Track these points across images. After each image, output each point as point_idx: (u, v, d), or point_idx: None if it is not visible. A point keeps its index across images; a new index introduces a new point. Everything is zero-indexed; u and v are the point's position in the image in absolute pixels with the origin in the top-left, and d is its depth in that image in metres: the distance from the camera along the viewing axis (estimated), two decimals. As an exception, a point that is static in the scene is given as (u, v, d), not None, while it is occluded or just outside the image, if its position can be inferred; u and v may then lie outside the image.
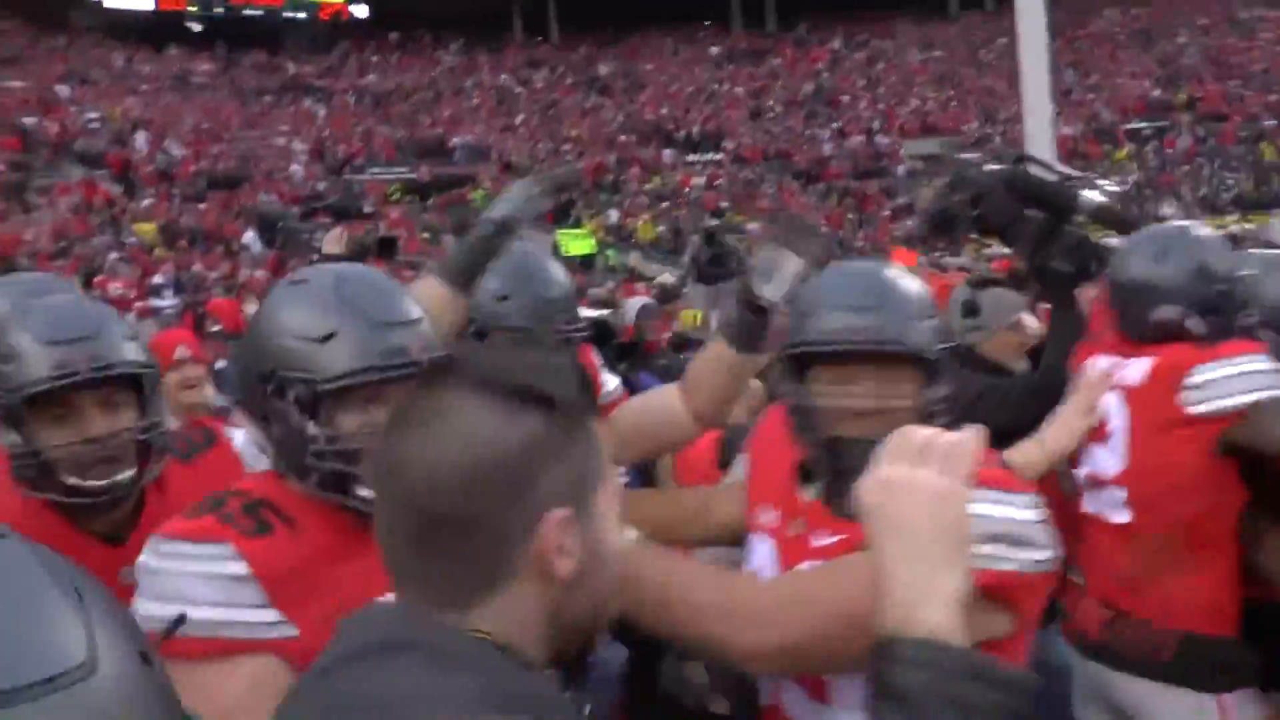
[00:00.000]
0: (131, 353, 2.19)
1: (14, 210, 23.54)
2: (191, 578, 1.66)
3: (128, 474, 2.14)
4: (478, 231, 2.70)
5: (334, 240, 5.22)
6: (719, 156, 34.97)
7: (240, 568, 1.66)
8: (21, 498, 2.14)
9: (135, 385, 2.19)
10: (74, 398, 2.11)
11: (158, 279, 19.14)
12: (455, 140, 35.06)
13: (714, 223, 17.54)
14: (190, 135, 31.89)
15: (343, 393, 1.79)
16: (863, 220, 29.11)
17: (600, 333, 6.09)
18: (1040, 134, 13.59)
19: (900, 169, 32.84)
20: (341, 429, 1.80)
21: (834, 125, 36.44)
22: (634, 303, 8.79)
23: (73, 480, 2.11)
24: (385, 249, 9.71)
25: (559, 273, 3.08)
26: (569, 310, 3.03)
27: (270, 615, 1.67)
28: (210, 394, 4.36)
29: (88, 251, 21.00)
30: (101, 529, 2.20)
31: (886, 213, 29.12)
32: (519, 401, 1.16)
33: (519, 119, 38.20)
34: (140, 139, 30.43)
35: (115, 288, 18.04)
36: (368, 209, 26.72)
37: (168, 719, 0.89)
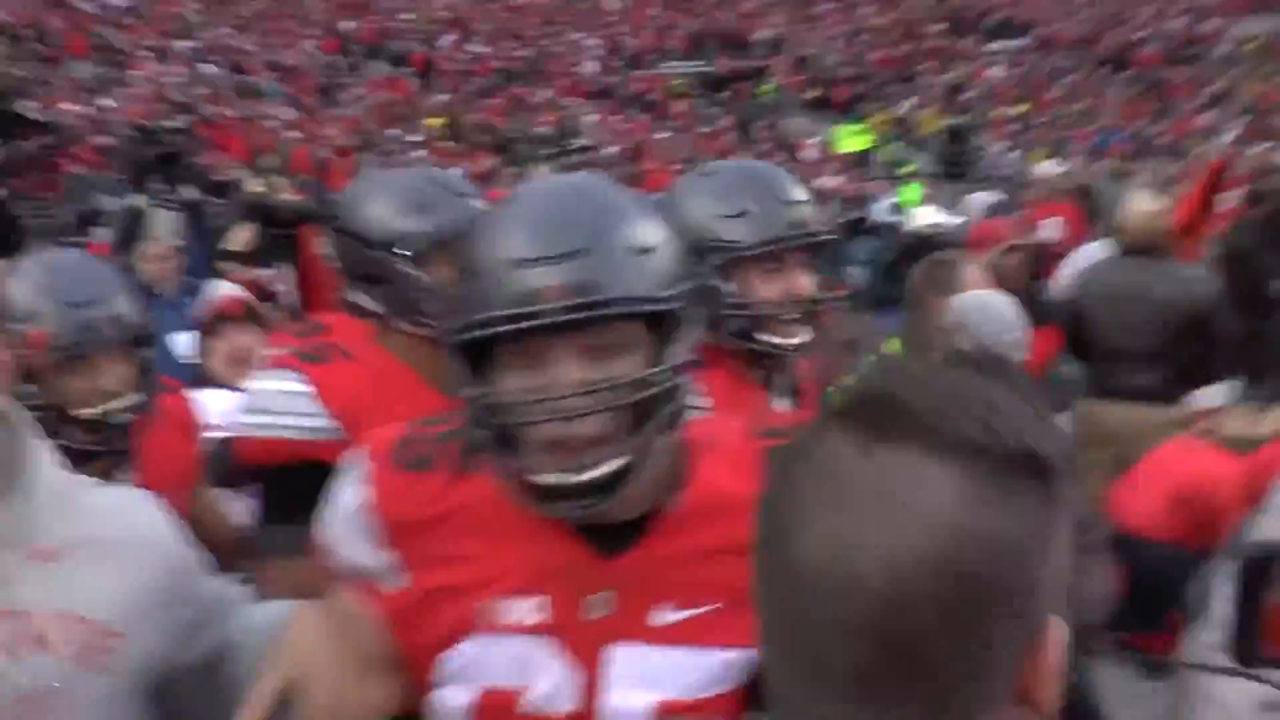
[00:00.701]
0: None
1: (326, 107, 25.35)
2: None
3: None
4: None
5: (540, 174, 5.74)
6: (1022, 43, 33.24)
7: None
8: None
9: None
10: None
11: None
12: (757, 34, 34.86)
13: (958, 120, 16.90)
14: (492, 33, 33.19)
15: None
16: (1164, 111, 27.04)
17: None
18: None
19: (1218, 51, 30.19)
20: None
21: (1153, 4, 33.82)
22: (980, 199, 8.04)
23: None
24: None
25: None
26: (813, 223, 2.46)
27: None
28: None
29: (383, 145, 22.41)
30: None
31: (1198, 103, 26.93)
32: (1005, 468, 0.81)
33: (821, 8, 37.52)
34: (445, 39, 31.99)
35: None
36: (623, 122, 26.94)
37: None
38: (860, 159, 24.64)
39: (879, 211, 11.92)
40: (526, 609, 1.48)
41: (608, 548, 1.48)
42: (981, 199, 8.01)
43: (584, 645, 1.47)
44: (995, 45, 33.21)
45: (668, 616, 1.48)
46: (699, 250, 2.28)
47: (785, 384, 2.46)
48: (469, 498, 1.50)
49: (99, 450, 2.34)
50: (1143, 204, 5.62)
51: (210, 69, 25.51)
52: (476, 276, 1.45)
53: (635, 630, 1.48)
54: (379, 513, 1.52)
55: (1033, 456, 0.82)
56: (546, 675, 1.47)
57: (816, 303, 2.35)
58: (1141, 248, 5.35)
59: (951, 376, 0.87)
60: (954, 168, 13.14)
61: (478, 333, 1.42)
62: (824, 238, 2.39)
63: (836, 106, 30.05)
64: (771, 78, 31.74)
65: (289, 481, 2.14)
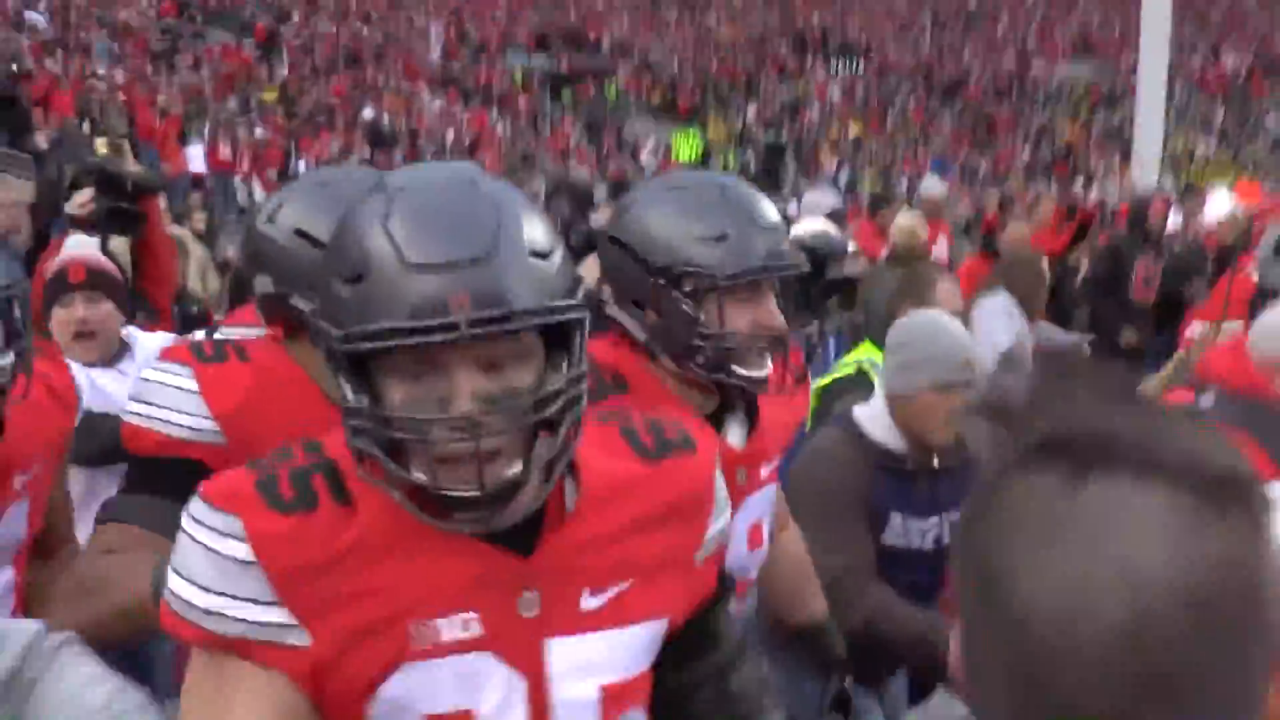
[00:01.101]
0: None
1: (157, 74, 24.46)
2: None
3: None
4: None
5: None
6: (860, 66, 34.21)
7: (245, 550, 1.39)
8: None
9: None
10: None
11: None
12: (605, 35, 34.96)
13: (778, 139, 17.59)
14: (340, 11, 32.54)
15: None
16: (987, 143, 28.31)
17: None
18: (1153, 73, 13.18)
19: (1042, 91, 31.70)
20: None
21: (984, 40, 35.23)
22: (821, 199, 7.81)
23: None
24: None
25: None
26: (790, 251, 2.28)
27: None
28: None
29: (217, 114, 21.78)
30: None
31: (1019, 140, 28.28)
32: (1215, 491, 0.80)
33: (670, 15, 37.86)
34: (295, 12, 31.21)
35: (225, 153, 18.73)
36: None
37: None
38: (699, 166, 25.04)
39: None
40: (457, 626, 1.40)
41: (516, 547, 1.43)
42: (823, 199, 8.37)
43: (522, 649, 1.43)
44: (835, 65, 34.08)
45: (590, 602, 1.47)
46: (668, 274, 2.14)
47: (741, 414, 2.35)
48: (363, 527, 1.39)
49: None
50: (905, 220, 6.35)
51: (36, 18, 24.44)
52: (368, 279, 1.33)
53: (566, 621, 1.46)
54: (265, 567, 1.35)
55: (1236, 477, 0.81)
56: (493, 688, 1.42)
57: (784, 337, 2.20)
58: (902, 257, 5.98)
59: (1134, 404, 0.86)
60: (767, 179, 14.45)
61: (378, 344, 1.31)
62: (800, 269, 2.23)
63: (680, 113, 30.42)
64: (615, 79, 31.93)
65: (158, 470, 2.04)
